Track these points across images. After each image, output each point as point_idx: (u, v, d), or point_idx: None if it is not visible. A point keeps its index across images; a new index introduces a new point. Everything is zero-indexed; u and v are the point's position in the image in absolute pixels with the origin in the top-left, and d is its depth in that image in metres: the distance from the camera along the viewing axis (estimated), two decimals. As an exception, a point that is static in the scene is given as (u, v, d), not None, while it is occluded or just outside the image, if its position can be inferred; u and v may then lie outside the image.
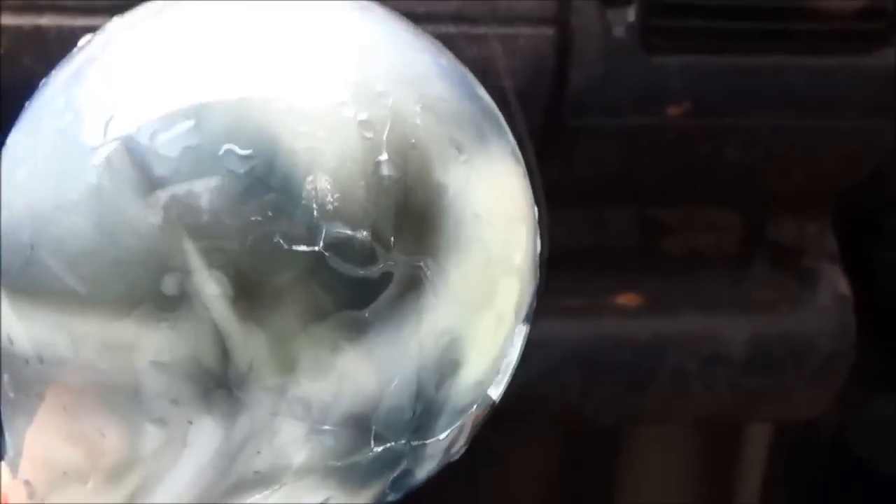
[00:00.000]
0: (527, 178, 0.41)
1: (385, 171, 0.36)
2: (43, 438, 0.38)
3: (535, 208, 0.41)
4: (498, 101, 0.42)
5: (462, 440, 0.40)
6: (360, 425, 0.37)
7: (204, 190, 0.35)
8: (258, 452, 0.37)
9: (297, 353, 0.36)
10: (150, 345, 0.36)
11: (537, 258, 0.41)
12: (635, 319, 1.00)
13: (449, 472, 0.42)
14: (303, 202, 0.35)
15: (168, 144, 0.36)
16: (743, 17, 0.88)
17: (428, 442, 0.39)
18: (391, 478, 0.39)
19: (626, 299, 1.00)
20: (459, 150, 0.38)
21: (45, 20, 0.81)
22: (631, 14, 0.87)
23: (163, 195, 0.35)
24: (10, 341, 0.38)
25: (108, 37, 0.40)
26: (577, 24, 0.86)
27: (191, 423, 0.37)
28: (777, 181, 0.99)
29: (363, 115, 0.36)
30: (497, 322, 0.39)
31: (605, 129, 0.90)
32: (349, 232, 0.36)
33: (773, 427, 1.20)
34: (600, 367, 0.99)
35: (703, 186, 0.98)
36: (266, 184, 0.35)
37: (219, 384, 0.36)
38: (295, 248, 0.35)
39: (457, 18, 0.84)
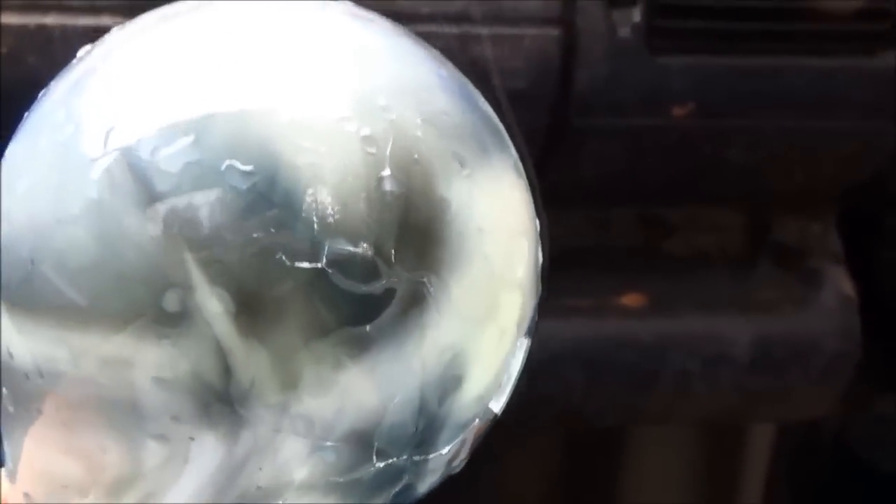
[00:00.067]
0: (528, 191, 0.41)
1: (388, 186, 0.36)
2: (43, 452, 0.38)
3: (537, 221, 0.41)
4: (499, 105, 0.42)
5: (464, 453, 0.40)
6: (363, 441, 0.37)
7: (205, 205, 0.35)
8: (260, 469, 0.37)
9: (299, 369, 0.36)
10: (152, 361, 0.36)
11: (539, 271, 0.41)
12: (638, 319, 1.00)
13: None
14: (305, 218, 0.35)
15: (169, 160, 0.35)
16: (747, 19, 0.88)
17: (430, 457, 0.39)
18: (393, 492, 0.39)
19: (630, 299, 1.00)
20: (462, 164, 0.38)
21: (50, 19, 0.81)
22: (636, 15, 0.87)
23: (164, 210, 0.35)
24: (10, 355, 0.38)
25: (108, 48, 0.40)
26: (582, 24, 0.86)
27: (192, 439, 0.36)
28: (781, 181, 0.99)
29: (366, 131, 0.36)
30: (499, 336, 0.39)
31: (610, 129, 0.90)
32: (352, 248, 0.35)
33: (776, 427, 1.20)
34: (603, 367, 0.99)
35: (706, 186, 0.98)
36: (268, 200, 0.35)
37: (221, 400, 0.36)
38: (297, 264, 0.35)
39: (461, 19, 0.84)
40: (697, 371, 1.00)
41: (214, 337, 0.35)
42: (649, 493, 1.23)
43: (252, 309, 0.35)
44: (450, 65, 0.41)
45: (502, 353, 0.39)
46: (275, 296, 0.35)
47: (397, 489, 0.39)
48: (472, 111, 0.39)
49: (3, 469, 0.42)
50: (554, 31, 0.85)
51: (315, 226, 0.35)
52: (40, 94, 0.40)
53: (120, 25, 0.41)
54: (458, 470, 0.40)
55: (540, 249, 0.41)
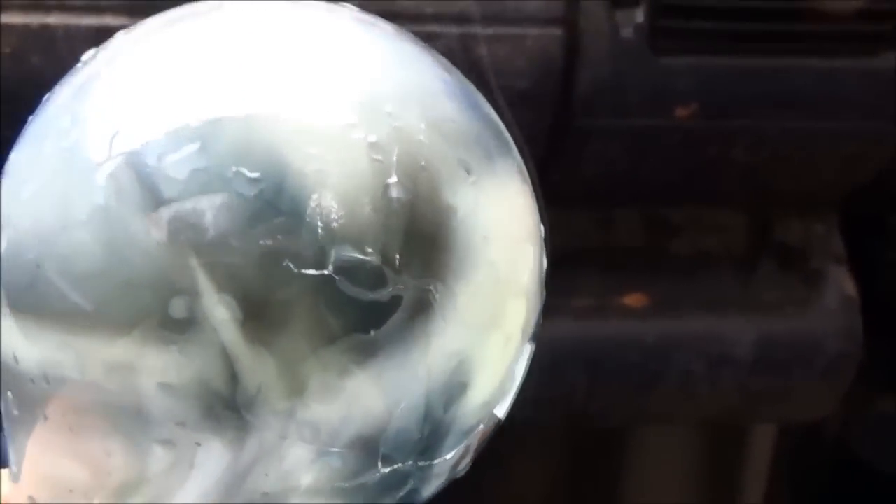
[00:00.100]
0: (533, 196, 0.41)
1: (394, 193, 0.36)
2: (48, 456, 0.38)
3: (542, 226, 0.41)
4: (502, 108, 0.42)
5: (468, 458, 0.40)
6: (368, 447, 0.37)
7: (212, 211, 0.35)
8: (266, 474, 0.37)
9: (306, 376, 0.36)
10: (158, 366, 0.36)
11: (543, 277, 0.41)
12: (641, 320, 1.00)
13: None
14: (312, 225, 0.35)
15: (176, 166, 0.35)
16: (750, 19, 0.88)
17: (435, 462, 0.39)
18: (398, 497, 0.39)
19: (633, 300, 1.00)
20: (468, 171, 0.38)
21: (53, 19, 0.81)
22: (639, 15, 0.87)
23: (170, 216, 0.35)
24: (16, 360, 0.38)
25: (113, 52, 0.40)
26: (586, 24, 0.86)
27: (199, 445, 0.36)
28: (783, 182, 0.99)
29: (372, 138, 0.36)
30: (505, 343, 0.39)
31: (613, 129, 0.90)
32: (358, 255, 0.35)
33: (778, 427, 1.20)
34: (606, 368, 0.99)
35: (709, 187, 0.98)
36: (275, 207, 0.35)
37: (227, 407, 0.36)
38: (304, 271, 0.35)
39: (464, 19, 0.84)
40: (700, 371, 1.00)
41: (221, 343, 0.35)
42: (652, 493, 1.23)
43: (259, 316, 0.35)
44: (454, 70, 0.41)
45: (507, 359, 0.39)
46: (282, 302, 0.35)
47: (402, 494, 0.39)
48: (477, 117, 0.39)
49: (5, 470, 0.42)
50: (557, 32, 0.85)
51: (322, 233, 0.35)
52: (44, 99, 0.40)
53: (125, 30, 0.40)
54: (462, 474, 0.40)
55: (544, 255, 0.41)
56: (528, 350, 0.40)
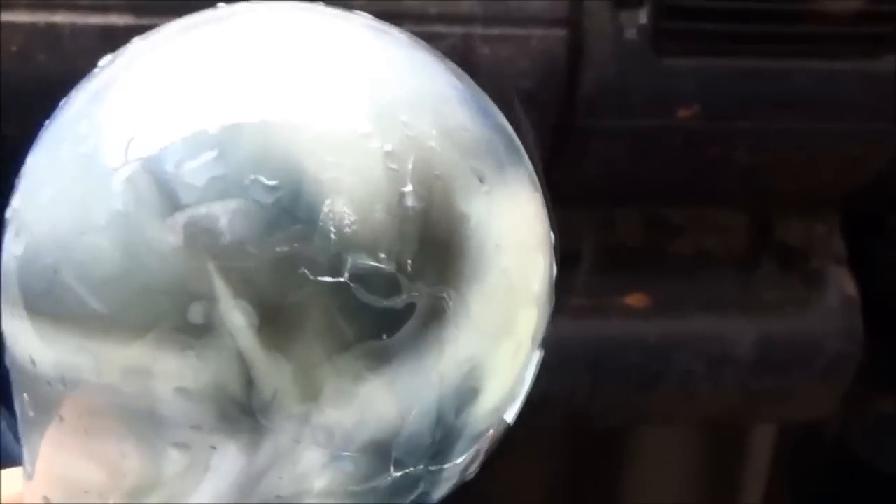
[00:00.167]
0: (544, 204, 0.41)
1: (409, 202, 0.36)
2: (63, 457, 0.38)
3: (552, 234, 0.41)
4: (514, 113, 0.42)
5: (477, 462, 0.41)
6: (381, 452, 0.37)
7: (229, 218, 0.35)
8: (280, 477, 0.37)
9: (321, 381, 0.36)
10: (175, 371, 0.36)
11: (553, 283, 0.41)
12: (643, 320, 1.00)
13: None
14: (328, 233, 0.35)
15: (194, 173, 0.35)
16: (753, 21, 0.89)
17: (445, 466, 0.39)
18: (408, 500, 0.39)
19: (634, 300, 1.00)
20: (481, 179, 0.38)
21: (59, 17, 0.81)
22: (642, 16, 0.87)
23: (188, 222, 0.35)
24: (33, 363, 0.38)
25: (130, 57, 0.40)
26: (589, 25, 0.86)
27: (214, 448, 0.37)
28: (785, 183, 0.99)
29: (388, 147, 0.36)
30: (515, 350, 0.39)
31: (616, 130, 0.91)
32: (373, 263, 0.35)
33: (778, 427, 1.21)
34: (607, 368, 1.00)
35: (711, 188, 0.98)
36: (292, 214, 0.35)
37: (243, 411, 0.36)
38: (320, 278, 0.35)
39: (469, 20, 0.84)
40: (701, 371, 1.00)
41: (237, 349, 0.35)
42: (652, 493, 1.23)
43: (275, 321, 0.35)
44: (466, 77, 0.41)
45: (517, 365, 0.40)
46: (297, 309, 0.35)
47: (413, 497, 0.39)
48: (489, 125, 0.39)
49: (6, 471, 0.43)
50: (561, 33, 0.85)
51: (338, 240, 0.35)
52: (61, 103, 0.40)
53: (141, 35, 0.41)
54: (471, 477, 0.41)
55: (554, 263, 0.41)
56: (537, 356, 0.41)
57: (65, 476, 0.38)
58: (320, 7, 0.41)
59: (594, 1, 0.86)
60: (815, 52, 0.91)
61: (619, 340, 0.99)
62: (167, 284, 0.35)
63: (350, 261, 0.35)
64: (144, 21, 0.80)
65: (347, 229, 0.35)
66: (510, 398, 0.40)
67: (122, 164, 0.36)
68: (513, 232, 0.39)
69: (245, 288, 0.35)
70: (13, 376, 0.40)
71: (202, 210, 0.35)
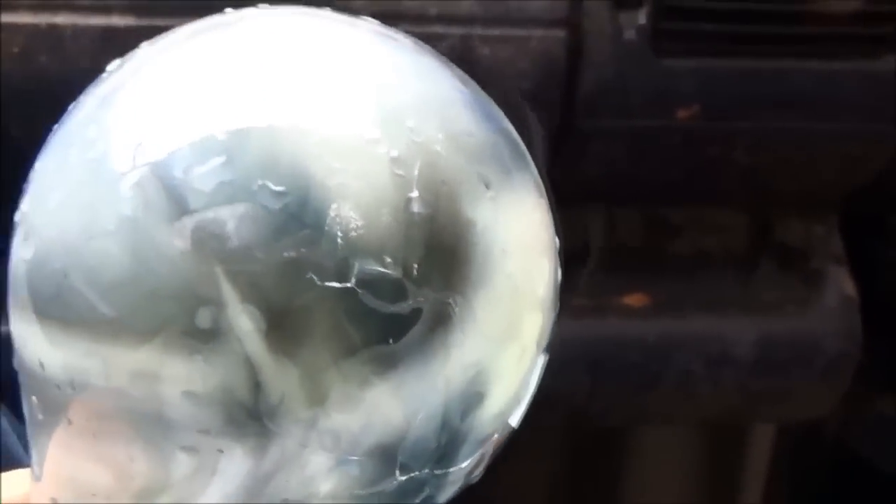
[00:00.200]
0: (548, 210, 0.41)
1: (416, 208, 0.36)
2: (71, 459, 0.38)
3: (557, 239, 0.41)
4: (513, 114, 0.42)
5: (482, 465, 0.41)
6: (387, 456, 0.38)
7: (237, 223, 0.35)
8: (287, 481, 0.37)
9: (327, 386, 0.36)
10: (183, 375, 0.36)
11: (558, 288, 0.42)
12: (642, 320, 1.00)
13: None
14: (335, 239, 0.35)
15: (202, 178, 0.35)
16: (752, 21, 0.89)
17: (451, 470, 0.39)
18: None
19: (633, 299, 1.00)
20: (487, 185, 0.38)
21: (61, 18, 0.82)
22: (641, 17, 0.87)
23: (195, 227, 0.36)
24: (42, 366, 0.38)
25: (138, 63, 0.40)
26: (589, 26, 0.86)
27: (221, 451, 0.37)
28: (784, 183, 0.99)
29: (395, 153, 0.36)
30: (520, 354, 0.39)
31: (615, 130, 0.91)
32: (380, 268, 0.36)
33: (778, 427, 1.21)
34: (607, 367, 1.00)
35: (710, 188, 0.98)
36: (299, 220, 0.35)
37: (250, 415, 0.36)
38: (327, 283, 0.35)
39: (469, 20, 0.85)
40: (700, 371, 1.00)
41: (245, 353, 0.36)
42: (652, 492, 1.23)
43: (282, 326, 0.36)
44: (471, 82, 0.41)
45: (522, 370, 0.40)
46: (305, 314, 0.36)
47: (418, 501, 0.39)
48: (494, 130, 0.40)
49: (24, 471, 0.43)
50: (560, 33, 0.86)
51: (345, 246, 0.35)
52: (70, 107, 0.40)
53: (149, 40, 0.41)
54: (475, 480, 0.41)
55: (559, 267, 0.41)
56: (541, 361, 0.41)
57: (73, 478, 0.39)
58: (327, 13, 0.41)
59: (593, 1, 0.86)
60: (813, 52, 0.91)
61: (619, 340, 1.00)
62: (175, 289, 0.36)
63: (357, 266, 0.36)
64: (145, 22, 0.81)
65: (354, 235, 0.36)
66: (515, 402, 0.40)
67: (130, 168, 0.36)
68: (518, 237, 0.39)
69: (252, 292, 0.35)
70: (22, 379, 0.40)
71: (210, 214, 0.35)
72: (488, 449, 0.40)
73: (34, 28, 0.81)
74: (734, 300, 1.02)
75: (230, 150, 0.36)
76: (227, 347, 0.36)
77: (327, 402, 0.36)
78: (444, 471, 0.39)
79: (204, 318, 0.35)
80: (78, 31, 0.81)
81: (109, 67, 0.40)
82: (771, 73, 0.91)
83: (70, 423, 0.38)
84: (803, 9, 0.90)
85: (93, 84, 0.40)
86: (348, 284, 0.36)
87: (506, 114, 0.42)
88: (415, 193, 0.36)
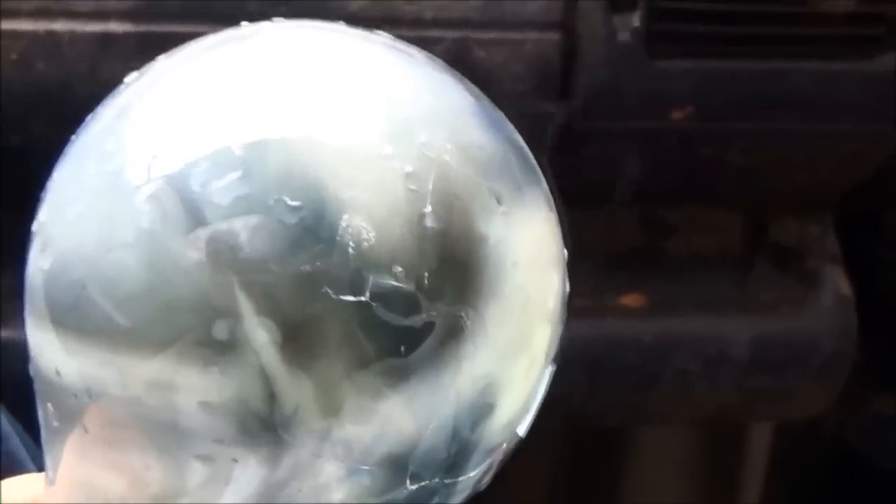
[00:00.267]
0: (558, 223, 0.42)
1: (429, 222, 0.37)
2: (86, 467, 0.39)
3: (565, 251, 0.42)
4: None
5: (490, 474, 0.41)
6: (398, 465, 0.38)
7: (253, 238, 0.36)
8: (300, 490, 0.38)
9: (341, 398, 0.37)
10: (198, 386, 0.36)
11: (566, 301, 0.42)
12: (639, 320, 1.00)
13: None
14: (350, 253, 0.36)
15: (220, 192, 0.36)
16: (746, 23, 0.89)
17: (460, 479, 0.40)
18: None
19: (630, 300, 1.00)
20: (499, 200, 0.38)
21: (58, 25, 0.82)
22: (635, 19, 0.87)
23: (212, 242, 0.36)
24: (58, 374, 0.39)
25: (154, 76, 0.40)
26: (583, 29, 0.87)
27: (236, 461, 0.37)
28: (779, 183, 1.00)
29: (409, 168, 0.37)
30: (529, 366, 0.40)
31: (610, 132, 0.91)
32: (394, 282, 0.36)
33: (776, 425, 1.21)
34: (604, 368, 1.00)
35: (706, 188, 0.99)
36: (315, 234, 0.36)
37: (264, 425, 0.37)
38: (342, 297, 0.36)
39: (464, 24, 0.85)
40: (697, 371, 1.00)
41: (260, 365, 0.36)
42: (651, 492, 1.23)
43: (297, 339, 0.36)
44: (483, 96, 0.41)
45: (531, 381, 0.40)
46: (319, 327, 0.36)
47: None
48: (506, 145, 0.40)
49: (33, 475, 0.43)
50: (555, 36, 0.86)
51: (359, 260, 0.36)
52: (87, 118, 0.41)
53: (166, 53, 0.41)
54: (483, 488, 0.41)
55: (567, 279, 0.42)
56: (549, 371, 0.41)
57: (87, 484, 0.39)
58: (341, 27, 0.42)
59: (588, 4, 0.87)
60: (807, 53, 0.92)
61: (616, 340, 1.00)
62: (191, 300, 0.36)
63: (371, 280, 0.36)
64: (143, 29, 0.81)
65: (368, 249, 0.36)
66: (523, 412, 0.41)
67: (145, 181, 0.37)
68: (529, 251, 0.39)
69: (268, 305, 0.36)
70: (37, 386, 0.40)
71: (224, 226, 0.36)
72: (497, 458, 0.41)
73: (32, 35, 0.81)
74: (731, 300, 1.02)
75: (247, 164, 0.36)
76: (242, 359, 0.36)
77: (341, 414, 0.37)
78: (453, 479, 0.40)
79: (220, 330, 0.36)
80: (75, 38, 0.82)
81: (127, 79, 0.41)
82: (764, 73, 0.91)
83: (86, 430, 0.38)
84: (796, 10, 0.90)
85: (110, 95, 0.41)
86: (363, 298, 0.36)
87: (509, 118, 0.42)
88: (428, 208, 0.37)
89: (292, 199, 0.36)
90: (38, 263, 0.39)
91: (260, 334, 0.36)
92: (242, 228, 0.36)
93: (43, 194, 0.40)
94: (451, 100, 0.40)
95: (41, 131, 0.80)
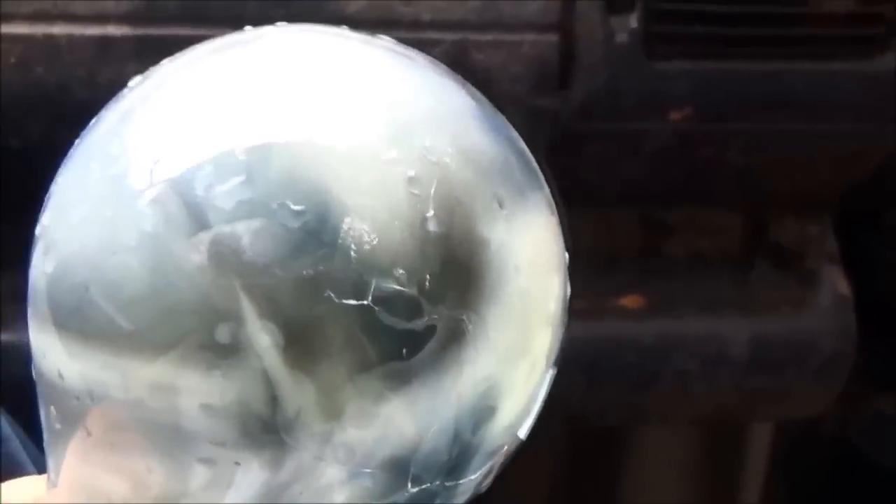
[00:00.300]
0: (559, 227, 0.42)
1: (431, 227, 0.37)
2: (88, 469, 0.39)
3: (566, 255, 0.42)
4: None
5: (491, 476, 0.41)
6: (399, 468, 0.38)
7: (256, 242, 0.36)
8: (301, 493, 0.38)
9: (343, 401, 0.37)
10: (201, 389, 0.37)
11: (567, 304, 0.42)
12: (638, 321, 1.00)
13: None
14: (352, 257, 0.36)
15: (223, 196, 0.36)
16: (744, 24, 0.89)
17: (461, 482, 0.40)
18: None
19: (629, 301, 1.00)
20: (501, 205, 0.39)
21: (57, 29, 0.82)
22: (633, 20, 0.87)
23: (216, 245, 0.36)
24: (61, 377, 0.39)
25: (158, 79, 0.40)
26: (581, 30, 0.87)
27: (238, 464, 0.37)
28: (778, 184, 1.00)
29: (411, 172, 0.37)
30: (531, 369, 0.40)
31: (609, 133, 0.91)
32: (396, 286, 0.36)
33: (775, 426, 1.21)
34: (604, 368, 1.00)
35: (705, 189, 0.99)
36: (318, 238, 0.36)
37: (267, 429, 0.37)
38: (344, 301, 0.36)
39: (461, 26, 0.85)
40: (696, 371, 1.00)
41: (263, 368, 0.36)
42: (650, 492, 1.23)
43: (300, 342, 0.36)
44: (485, 101, 0.42)
45: (532, 384, 0.41)
46: (322, 331, 0.36)
47: None
48: (508, 149, 0.40)
49: (42, 476, 0.43)
50: (552, 38, 0.86)
51: (362, 264, 0.36)
52: (91, 122, 0.41)
53: (170, 57, 0.41)
54: (484, 490, 0.41)
55: (568, 283, 0.42)
56: (550, 375, 0.42)
57: (89, 487, 0.39)
58: (343, 31, 0.42)
59: (586, 2, 0.87)
60: (805, 53, 0.92)
61: (615, 341, 1.00)
62: (194, 303, 0.36)
63: (373, 284, 0.36)
64: (141, 32, 0.81)
65: (371, 254, 0.36)
66: (524, 415, 0.41)
67: (148, 185, 0.37)
68: (530, 255, 0.40)
69: (270, 308, 0.36)
70: (39, 389, 0.40)
71: (227, 229, 0.36)
72: (498, 460, 0.41)
73: (30, 38, 0.81)
74: (730, 300, 1.02)
75: (250, 168, 0.36)
76: (244, 362, 0.36)
77: (343, 417, 0.37)
78: (454, 482, 0.40)
79: (223, 334, 0.36)
80: (74, 42, 0.82)
81: (131, 83, 0.41)
82: (762, 74, 0.91)
83: (88, 433, 0.39)
84: (794, 11, 0.90)
85: (114, 99, 0.41)
86: (365, 302, 0.36)
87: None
88: (430, 212, 0.37)
89: (295, 204, 0.36)
90: (42, 267, 0.39)
91: (262, 338, 0.36)
92: (245, 232, 0.36)
93: (46, 198, 0.40)
94: (453, 103, 0.40)
95: (40, 134, 0.80)
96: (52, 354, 0.39)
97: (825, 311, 1.03)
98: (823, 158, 0.98)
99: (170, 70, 0.40)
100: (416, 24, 0.84)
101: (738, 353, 1.00)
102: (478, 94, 0.42)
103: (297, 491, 0.38)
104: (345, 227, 0.36)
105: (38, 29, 0.82)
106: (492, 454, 0.40)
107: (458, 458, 0.39)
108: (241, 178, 0.36)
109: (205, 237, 0.36)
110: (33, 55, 0.82)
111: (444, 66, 0.42)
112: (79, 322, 0.38)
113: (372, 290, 0.36)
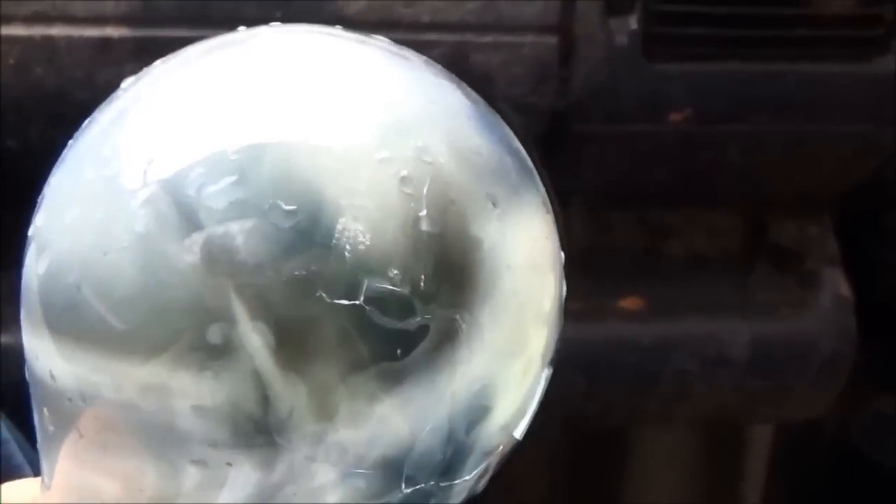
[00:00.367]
0: (555, 226, 0.42)
1: (424, 226, 0.37)
2: (81, 471, 0.39)
3: (562, 254, 0.42)
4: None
5: (487, 476, 0.41)
6: (393, 468, 0.38)
7: (248, 242, 0.36)
8: (294, 494, 0.38)
9: (336, 402, 0.37)
10: (193, 390, 0.36)
11: (563, 303, 0.42)
12: (638, 322, 1.00)
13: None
14: (344, 257, 0.36)
15: (215, 197, 0.36)
16: (744, 25, 0.89)
17: (456, 482, 0.40)
18: None
19: (629, 302, 1.00)
20: (495, 204, 0.38)
21: (55, 30, 0.82)
22: (633, 22, 0.87)
23: (207, 245, 0.36)
24: (53, 378, 0.39)
25: (151, 80, 0.40)
26: (580, 31, 0.87)
27: (230, 465, 0.37)
28: (778, 185, 1.00)
29: (404, 172, 0.37)
30: (525, 369, 0.40)
31: (608, 134, 0.91)
32: (389, 286, 0.36)
33: (775, 426, 1.21)
34: (603, 370, 1.00)
35: (705, 190, 0.99)
36: (309, 238, 0.36)
37: (259, 429, 0.37)
38: (336, 301, 0.36)
39: (461, 27, 0.85)
40: (696, 372, 1.00)
41: (255, 369, 0.36)
42: (651, 493, 1.23)
43: (291, 343, 0.36)
44: (481, 100, 0.41)
45: (527, 383, 0.40)
46: (314, 331, 0.36)
47: None
48: (503, 149, 0.40)
49: (28, 479, 0.43)
50: (552, 39, 0.86)
51: (354, 264, 0.36)
52: (84, 123, 0.41)
53: (163, 58, 0.41)
54: (480, 491, 0.41)
55: (564, 282, 0.42)
56: (546, 374, 0.41)
57: (82, 488, 0.39)
58: (338, 31, 0.42)
59: (585, 3, 0.87)
60: (804, 55, 0.92)
61: (615, 343, 1.00)
62: (186, 303, 0.36)
63: (365, 284, 0.36)
64: (139, 33, 0.81)
65: (363, 253, 0.36)
66: (520, 415, 0.41)
67: (141, 186, 0.37)
68: (524, 254, 0.39)
69: (262, 309, 0.36)
70: (33, 390, 0.40)
71: (220, 230, 0.36)
72: (493, 460, 0.41)
73: (29, 40, 0.81)
74: (729, 302, 1.02)
75: (242, 169, 0.36)
76: (236, 363, 0.36)
77: (335, 417, 0.37)
78: (449, 483, 0.40)
79: (215, 334, 0.36)
80: (72, 43, 0.82)
81: (124, 84, 0.41)
82: (761, 75, 0.91)
83: (80, 435, 0.39)
84: (794, 12, 0.90)
85: (107, 100, 0.41)
86: (357, 302, 0.36)
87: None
88: (423, 212, 0.37)
89: (287, 204, 0.36)
90: (34, 267, 0.39)
91: (254, 338, 0.36)
92: (237, 232, 0.36)
93: (39, 199, 0.40)
94: (447, 103, 0.40)
95: (39, 136, 0.80)
96: (45, 356, 0.39)
97: (825, 312, 1.03)
98: (823, 160, 0.98)
99: (162, 71, 0.40)
100: (415, 26, 0.84)
101: (738, 354, 1.00)
102: (473, 94, 0.41)
103: (290, 492, 0.38)
104: (337, 227, 0.36)
105: (37, 30, 0.82)
106: (487, 454, 0.40)
107: (452, 458, 0.39)
108: (233, 178, 0.36)
109: (197, 238, 0.36)
110: (32, 56, 0.82)
111: (439, 66, 0.42)
112: (71, 322, 0.38)
113: (364, 289, 0.36)
